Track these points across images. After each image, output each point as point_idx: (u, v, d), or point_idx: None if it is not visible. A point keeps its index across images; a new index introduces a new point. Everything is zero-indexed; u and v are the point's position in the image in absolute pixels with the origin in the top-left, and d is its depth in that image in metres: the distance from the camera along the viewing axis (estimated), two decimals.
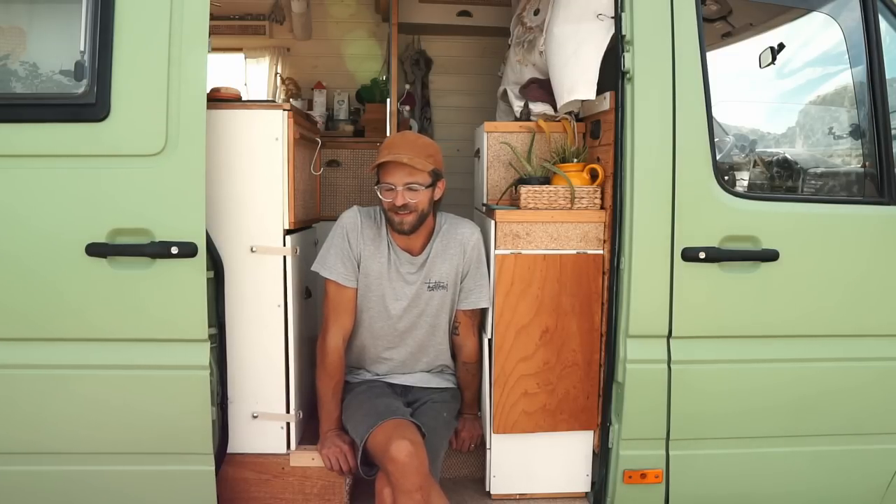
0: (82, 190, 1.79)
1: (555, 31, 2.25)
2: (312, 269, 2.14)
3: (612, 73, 2.01)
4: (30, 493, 1.93)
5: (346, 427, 2.13)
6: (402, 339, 2.20)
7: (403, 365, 2.25)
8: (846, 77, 2.18)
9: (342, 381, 2.17)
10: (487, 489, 2.23)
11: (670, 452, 2.02)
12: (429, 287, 2.15)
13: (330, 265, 2.10)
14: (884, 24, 2.00)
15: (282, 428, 2.13)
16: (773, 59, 2.27)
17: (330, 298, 2.14)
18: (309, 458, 2.13)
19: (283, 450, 2.13)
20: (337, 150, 3.70)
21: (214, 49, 3.58)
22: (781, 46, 2.26)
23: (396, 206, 2.02)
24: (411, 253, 2.15)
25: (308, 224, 2.40)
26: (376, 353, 2.23)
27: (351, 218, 2.13)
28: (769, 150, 2.49)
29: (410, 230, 2.06)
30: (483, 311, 2.23)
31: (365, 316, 2.17)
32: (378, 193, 2.07)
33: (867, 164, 2.12)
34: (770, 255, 1.93)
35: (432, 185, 2.06)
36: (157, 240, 1.80)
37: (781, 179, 2.37)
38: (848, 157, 2.35)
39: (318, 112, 4.13)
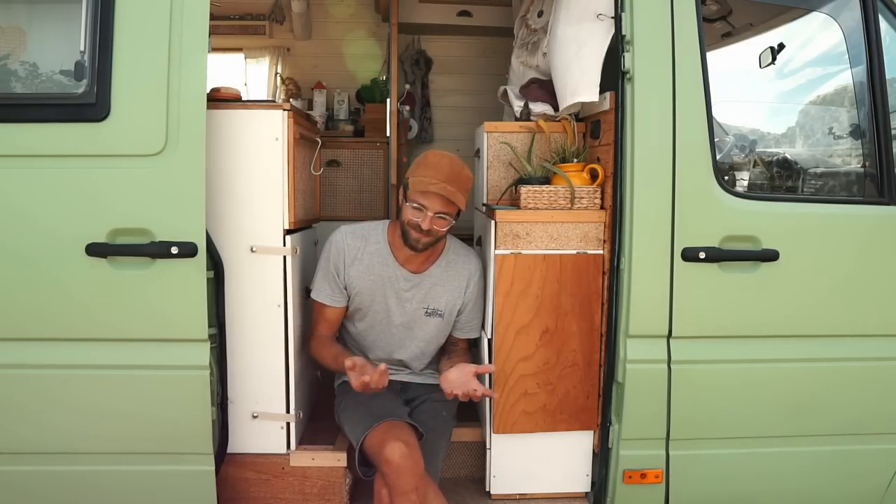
0: (82, 190, 1.79)
1: (557, 32, 2.25)
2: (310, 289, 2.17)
3: (612, 73, 2.01)
4: (30, 493, 1.93)
5: (343, 428, 2.13)
6: (397, 351, 2.20)
7: (402, 365, 2.25)
8: (846, 77, 2.18)
9: (339, 346, 2.17)
10: (487, 489, 2.23)
11: (670, 452, 2.02)
12: (426, 312, 2.15)
13: (318, 287, 2.13)
14: (884, 24, 2.00)
15: (282, 428, 2.13)
16: (773, 59, 2.27)
17: (316, 311, 2.17)
18: (309, 458, 2.13)
19: (283, 450, 2.14)
20: (337, 150, 3.71)
21: (214, 49, 3.59)
22: (781, 46, 2.26)
23: (421, 228, 1.99)
24: (410, 270, 2.14)
25: (308, 224, 2.40)
26: (374, 357, 2.22)
27: (337, 243, 2.11)
28: (769, 150, 2.49)
29: (423, 249, 2.04)
30: (483, 312, 2.23)
31: (361, 325, 2.18)
32: (402, 206, 2.03)
33: (867, 164, 2.12)
34: (770, 256, 1.93)
35: (457, 216, 2.03)
36: (157, 240, 1.80)
37: (781, 179, 2.37)
38: (848, 157, 2.35)
39: (318, 112, 4.13)
